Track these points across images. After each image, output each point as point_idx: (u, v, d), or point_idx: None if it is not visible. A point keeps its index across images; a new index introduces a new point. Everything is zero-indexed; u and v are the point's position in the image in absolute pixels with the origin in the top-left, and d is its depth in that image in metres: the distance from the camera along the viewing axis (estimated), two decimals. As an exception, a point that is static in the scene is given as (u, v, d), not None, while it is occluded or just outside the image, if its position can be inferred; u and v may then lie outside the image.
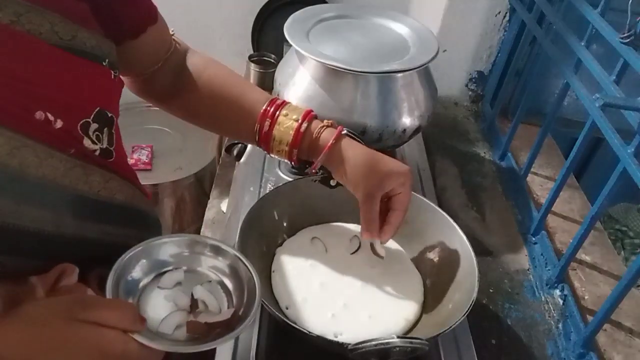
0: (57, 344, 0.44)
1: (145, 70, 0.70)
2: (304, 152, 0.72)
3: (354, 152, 0.69)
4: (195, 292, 0.56)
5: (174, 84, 0.73)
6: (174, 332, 0.51)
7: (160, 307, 0.54)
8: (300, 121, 0.70)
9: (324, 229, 0.83)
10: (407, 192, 0.69)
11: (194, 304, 0.55)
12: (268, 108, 0.71)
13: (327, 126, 0.71)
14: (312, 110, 0.72)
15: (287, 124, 0.70)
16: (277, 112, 0.70)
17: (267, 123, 0.70)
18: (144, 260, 0.56)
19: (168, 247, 0.58)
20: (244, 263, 0.59)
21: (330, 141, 0.69)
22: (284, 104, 0.72)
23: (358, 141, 0.72)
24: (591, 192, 1.10)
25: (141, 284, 0.55)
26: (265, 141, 0.72)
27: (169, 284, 0.56)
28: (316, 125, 0.71)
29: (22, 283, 0.49)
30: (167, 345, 0.49)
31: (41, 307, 0.46)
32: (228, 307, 0.56)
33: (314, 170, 0.72)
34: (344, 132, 0.71)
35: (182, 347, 0.50)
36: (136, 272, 0.55)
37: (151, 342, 0.46)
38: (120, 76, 0.60)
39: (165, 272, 0.57)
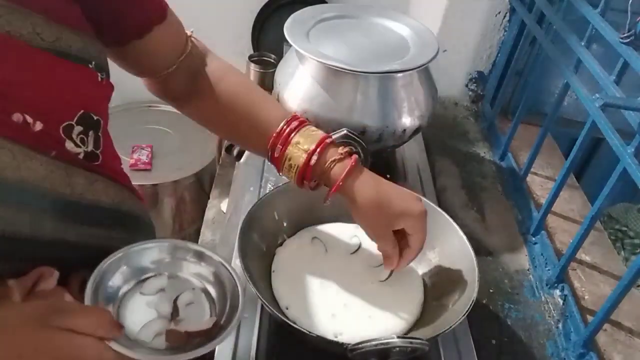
0: (27, 351, 0.42)
1: (158, 71, 0.67)
2: (316, 181, 0.69)
3: (362, 191, 0.65)
4: (177, 299, 0.55)
5: (189, 88, 0.70)
6: (153, 340, 0.51)
7: (141, 314, 0.53)
8: (310, 154, 0.66)
9: (324, 229, 0.83)
10: (419, 234, 0.67)
11: (175, 311, 0.54)
12: (282, 129, 0.67)
13: (339, 159, 0.66)
14: (328, 137, 0.68)
15: (296, 154, 0.66)
16: (289, 138, 0.67)
17: (278, 148, 0.67)
18: (125, 267, 0.55)
19: (149, 253, 0.57)
20: (228, 270, 0.57)
21: (339, 181, 0.65)
22: (300, 127, 0.68)
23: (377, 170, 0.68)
24: (591, 192, 1.10)
25: (122, 291, 0.54)
26: (277, 165, 0.69)
27: (152, 290, 0.56)
28: (330, 156, 0.66)
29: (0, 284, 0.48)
30: (144, 353, 0.48)
31: (13, 313, 0.45)
32: (210, 316, 0.55)
33: (326, 202, 0.69)
34: (354, 161, 0.66)
35: (158, 356, 0.49)
36: (117, 279, 0.54)
37: (127, 350, 0.46)
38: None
39: (147, 278, 0.56)
